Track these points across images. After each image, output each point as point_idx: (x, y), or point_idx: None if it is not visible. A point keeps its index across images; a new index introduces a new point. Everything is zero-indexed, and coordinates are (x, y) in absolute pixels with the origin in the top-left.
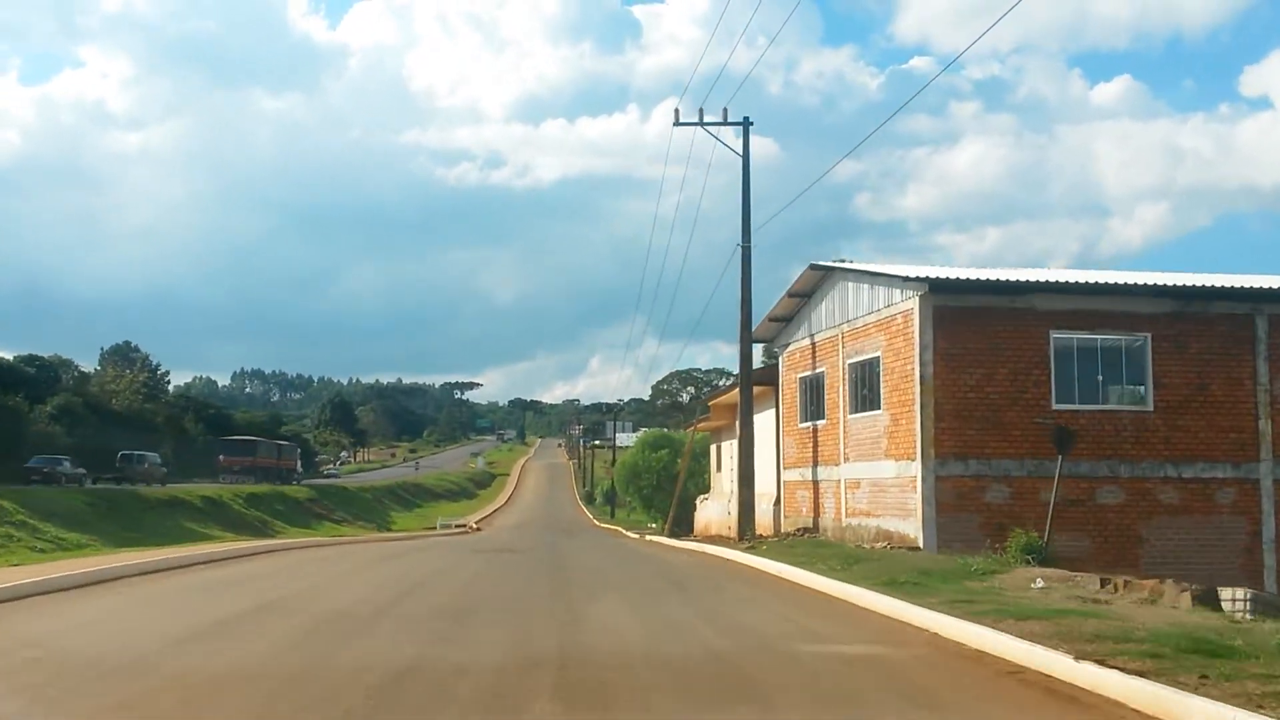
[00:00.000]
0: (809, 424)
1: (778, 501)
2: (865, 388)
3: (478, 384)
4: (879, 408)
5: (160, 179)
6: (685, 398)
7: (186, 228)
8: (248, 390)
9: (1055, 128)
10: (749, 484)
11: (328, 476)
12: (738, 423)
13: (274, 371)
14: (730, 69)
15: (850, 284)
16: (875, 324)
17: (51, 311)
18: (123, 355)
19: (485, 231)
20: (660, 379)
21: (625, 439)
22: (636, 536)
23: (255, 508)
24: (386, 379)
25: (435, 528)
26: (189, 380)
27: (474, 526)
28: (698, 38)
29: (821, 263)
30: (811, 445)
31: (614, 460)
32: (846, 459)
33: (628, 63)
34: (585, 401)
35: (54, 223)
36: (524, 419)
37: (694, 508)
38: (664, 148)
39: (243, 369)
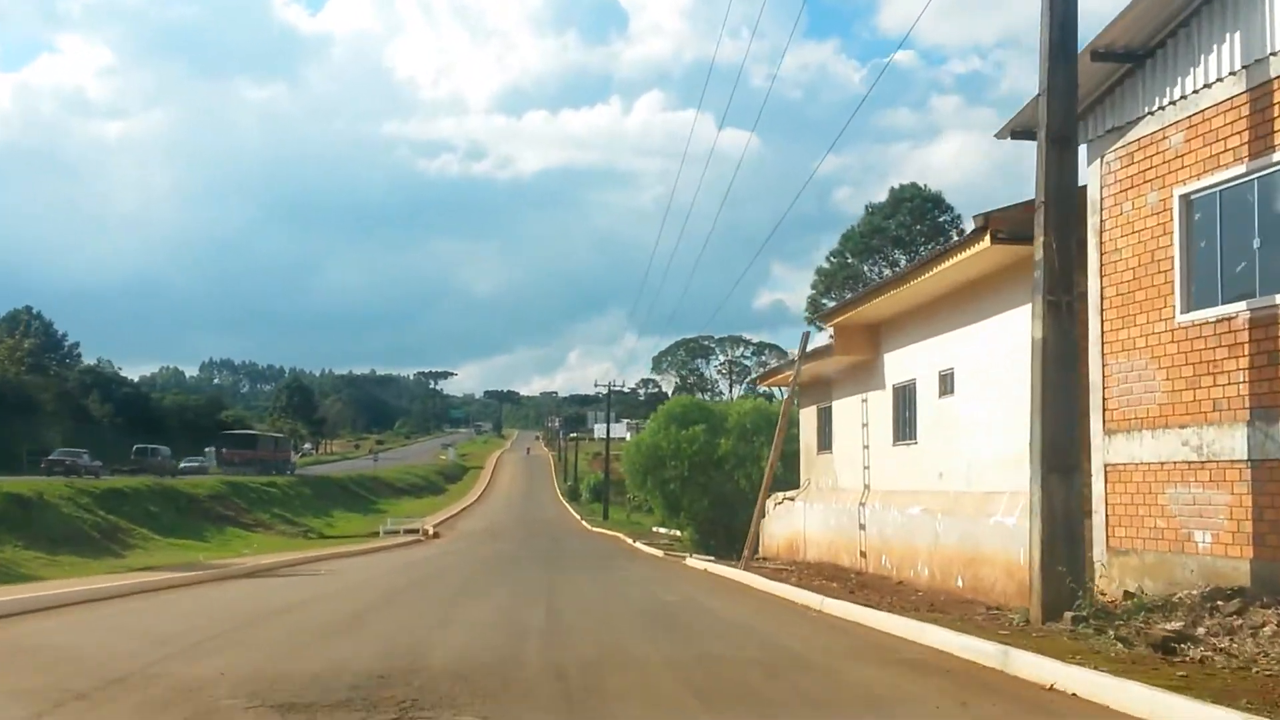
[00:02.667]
0: (1227, 311)
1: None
2: None
3: (452, 374)
4: None
5: (140, 169)
6: (670, 385)
7: (166, 218)
8: (216, 381)
9: None
10: (1064, 467)
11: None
12: (1036, 325)
13: (244, 362)
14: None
15: None
16: None
17: (30, 301)
18: (17, 321)
19: (465, 224)
20: (664, 349)
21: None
22: (659, 554)
23: (111, 509)
24: (361, 371)
25: (379, 534)
26: (155, 370)
27: (430, 532)
28: (683, 29)
29: None
30: (1247, 366)
31: (606, 451)
32: None
33: (612, 53)
34: (563, 395)
35: (32, 211)
36: (500, 411)
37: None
38: (646, 140)
39: (211, 359)
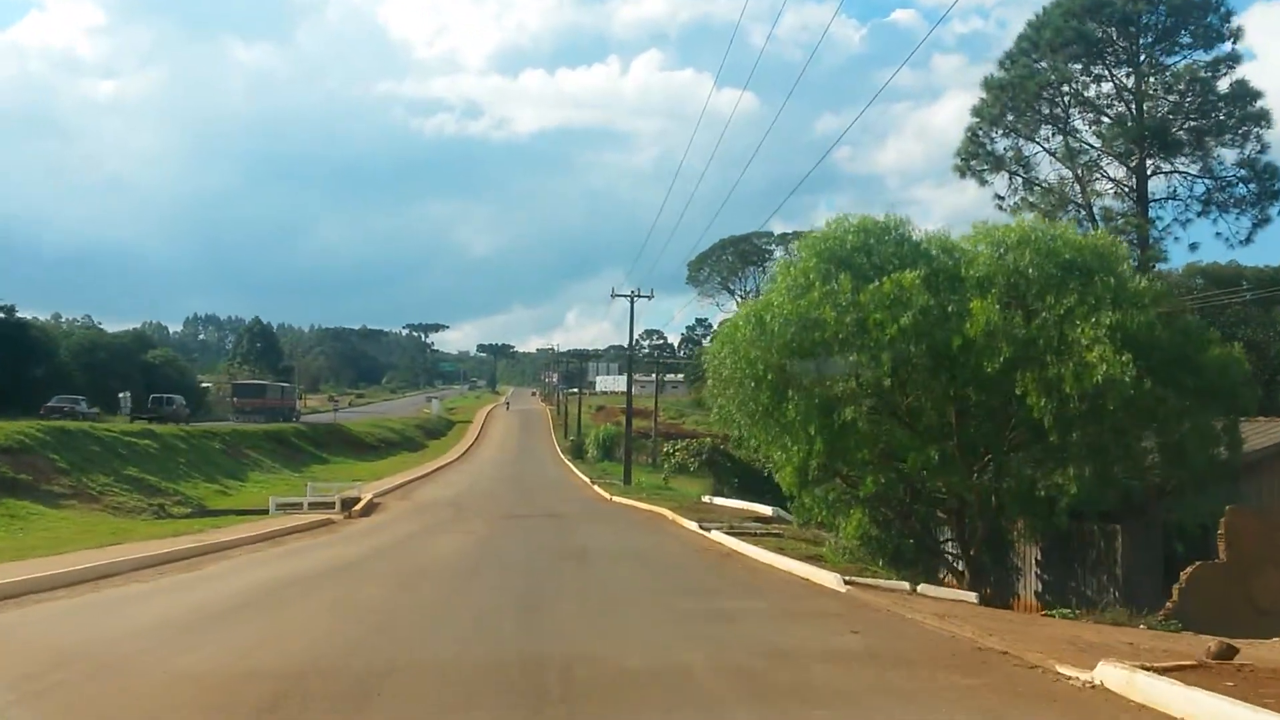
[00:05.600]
0: None
1: None
2: None
3: (444, 326)
4: None
5: (131, 129)
6: (693, 338)
7: (158, 179)
8: (201, 337)
9: None
10: None
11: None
12: None
13: (230, 317)
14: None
15: None
16: None
17: (20, 261)
18: None
19: (461, 183)
20: (704, 252)
21: (609, 383)
22: (833, 586)
23: None
24: (352, 326)
25: (270, 510)
26: (138, 325)
27: (360, 505)
28: None
29: None
30: None
31: (628, 394)
32: None
33: (608, 12)
34: (563, 350)
35: (22, 172)
36: (495, 367)
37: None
38: (643, 100)
39: (195, 314)
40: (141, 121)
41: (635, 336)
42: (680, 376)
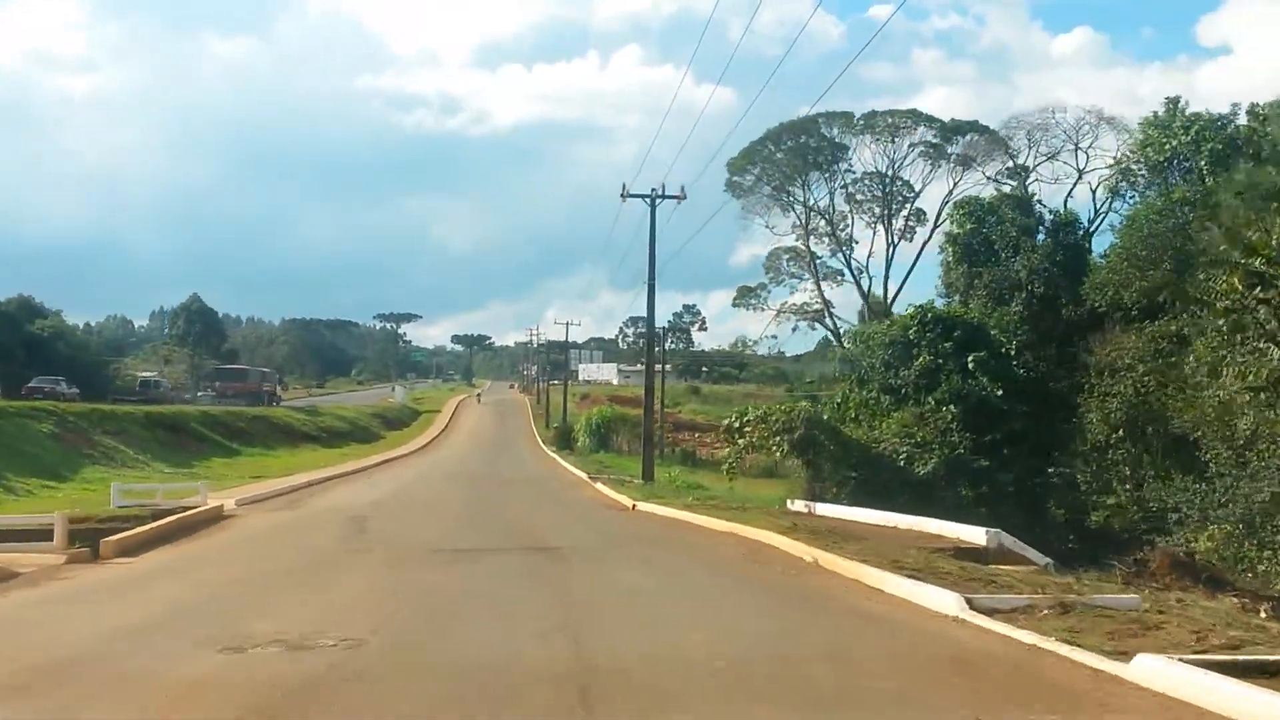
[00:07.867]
0: None
1: None
2: None
3: (417, 316)
4: None
5: (108, 124)
6: (681, 326)
7: (134, 173)
8: (167, 331)
9: (1016, 77)
10: None
11: None
12: None
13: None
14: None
15: None
16: None
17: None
18: None
19: (440, 178)
20: (755, 140)
21: (593, 371)
22: None
23: None
24: (325, 318)
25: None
26: (102, 320)
27: (108, 537)
28: None
29: None
30: None
31: (648, 349)
32: None
33: (588, 6)
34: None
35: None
36: (471, 360)
37: None
38: (623, 96)
39: (161, 308)
40: (117, 115)
41: (619, 326)
42: (669, 367)
